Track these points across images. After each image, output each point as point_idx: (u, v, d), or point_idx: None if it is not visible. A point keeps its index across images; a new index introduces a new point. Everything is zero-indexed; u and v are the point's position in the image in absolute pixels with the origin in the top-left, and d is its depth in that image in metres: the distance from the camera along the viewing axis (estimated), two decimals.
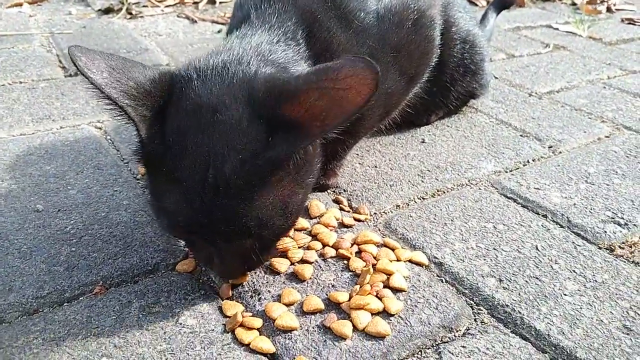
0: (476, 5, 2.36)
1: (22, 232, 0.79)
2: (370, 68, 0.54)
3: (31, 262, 0.73)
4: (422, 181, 0.98)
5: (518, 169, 1.05)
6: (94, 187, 0.91)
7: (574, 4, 2.56)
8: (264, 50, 0.71)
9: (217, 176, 0.58)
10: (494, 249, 0.81)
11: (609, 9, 2.46)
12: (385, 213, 0.89)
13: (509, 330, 0.66)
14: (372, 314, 0.66)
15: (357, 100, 0.55)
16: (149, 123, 0.60)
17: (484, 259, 0.78)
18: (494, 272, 0.76)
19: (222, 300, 0.69)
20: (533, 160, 1.09)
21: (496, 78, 1.52)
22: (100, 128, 1.12)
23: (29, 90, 1.26)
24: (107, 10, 1.90)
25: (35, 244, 0.77)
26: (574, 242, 0.83)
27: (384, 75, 0.83)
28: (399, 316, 0.67)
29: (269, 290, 0.71)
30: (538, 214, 0.91)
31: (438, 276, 0.75)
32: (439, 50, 0.98)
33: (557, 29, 2.10)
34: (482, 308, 0.70)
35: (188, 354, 0.61)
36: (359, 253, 0.78)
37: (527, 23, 2.16)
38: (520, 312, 0.69)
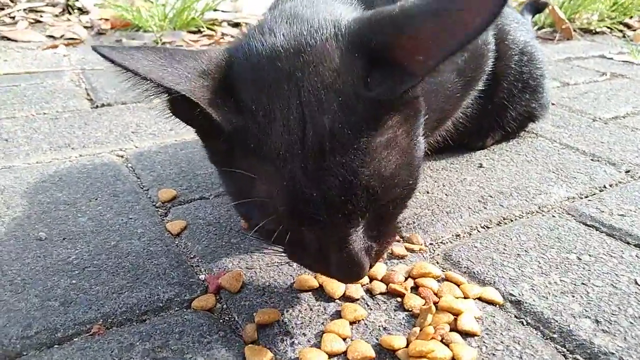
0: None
1: (19, 262, 0.68)
2: None
3: (22, 295, 0.62)
4: (485, 208, 0.84)
5: (595, 194, 0.90)
6: (106, 214, 0.81)
7: (624, 36, 2.43)
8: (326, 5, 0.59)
9: (318, 131, 0.46)
10: (583, 283, 0.65)
11: None
12: (444, 243, 0.75)
13: None
14: None
15: (476, 21, 0.40)
16: (218, 104, 0.48)
17: (573, 296, 0.63)
18: (587, 311, 0.60)
19: (246, 345, 0.55)
20: (610, 186, 0.93)
21: (553, 104, 1.39)
22: (121, 156, 1.03)
23: (51, 120, 1.19)
24: None
25: (30, 275, 0.65)
26: None
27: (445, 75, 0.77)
28: None
29: (304, 333, 0.57)
30: (629, 243, 0.75)
31: (517, 317, 0.60)
32: (493, 56, 0.88)
33: (611, 58, 1.97)
34: (578, 357, 0.54)
35: None
36: (415, 289, 0.63)
37: (578, 54, 2.03)
38: None
